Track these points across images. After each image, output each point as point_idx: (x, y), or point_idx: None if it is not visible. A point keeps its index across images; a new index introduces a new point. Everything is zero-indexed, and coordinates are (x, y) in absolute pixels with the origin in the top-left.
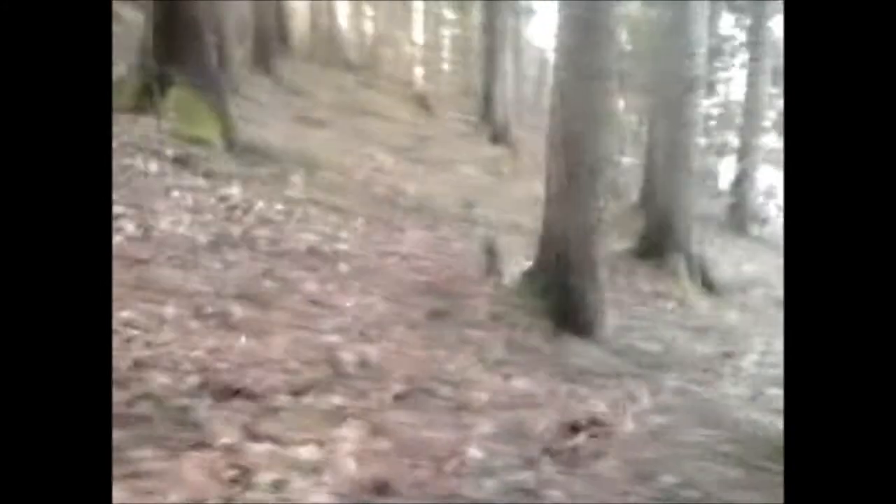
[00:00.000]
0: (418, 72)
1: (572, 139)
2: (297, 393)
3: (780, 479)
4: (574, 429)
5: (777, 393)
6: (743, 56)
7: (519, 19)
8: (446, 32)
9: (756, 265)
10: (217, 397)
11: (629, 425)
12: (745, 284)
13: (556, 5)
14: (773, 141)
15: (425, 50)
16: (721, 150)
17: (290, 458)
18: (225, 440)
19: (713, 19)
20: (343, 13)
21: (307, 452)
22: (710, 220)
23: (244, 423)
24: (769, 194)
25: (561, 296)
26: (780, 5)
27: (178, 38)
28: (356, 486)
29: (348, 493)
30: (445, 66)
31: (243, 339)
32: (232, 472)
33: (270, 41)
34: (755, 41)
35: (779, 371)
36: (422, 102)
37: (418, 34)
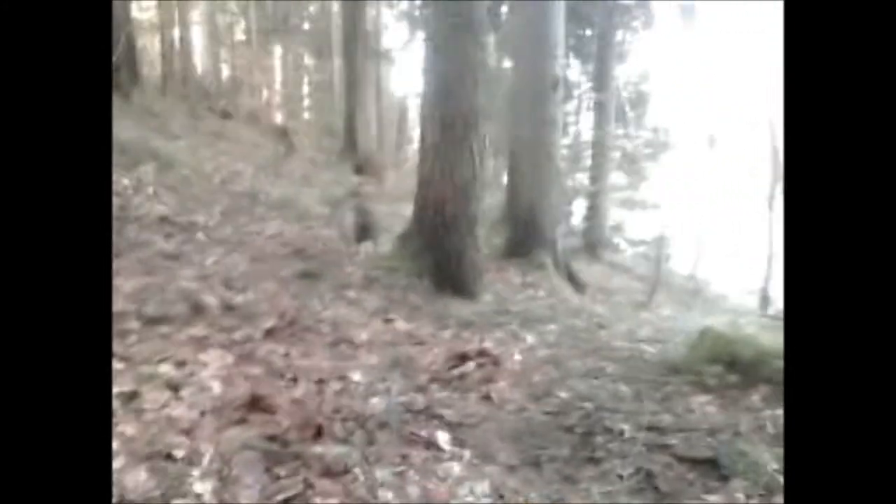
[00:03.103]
0: (279, 111)
1: (445, 92)
2: (150, 322)
3: (667, 389)
4: (462, 359)
5: (650, 349)
6: (589, 99)
7: (379, 66)
8: (306, 77)
9: (612, 282)
10: None
11: (517, 356)
12: (604, 290)
13: (416, 53)
14: (618, 179)
15: (285, 92)
16: (574, 189)
17: (143, 374)
18: None
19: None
20: (197, 55)
21: (162, 370)
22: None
23: None
24: (618, 228)
25: (439, 256)
26: (622, 51)
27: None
28: (222, 402)
29: (213, 408)
30: (306, 108)
31: None
32: None
33: (119, 67)
34: (599, 85)
35: (647, 339)
36: (282, 135)
37: (278, 77)
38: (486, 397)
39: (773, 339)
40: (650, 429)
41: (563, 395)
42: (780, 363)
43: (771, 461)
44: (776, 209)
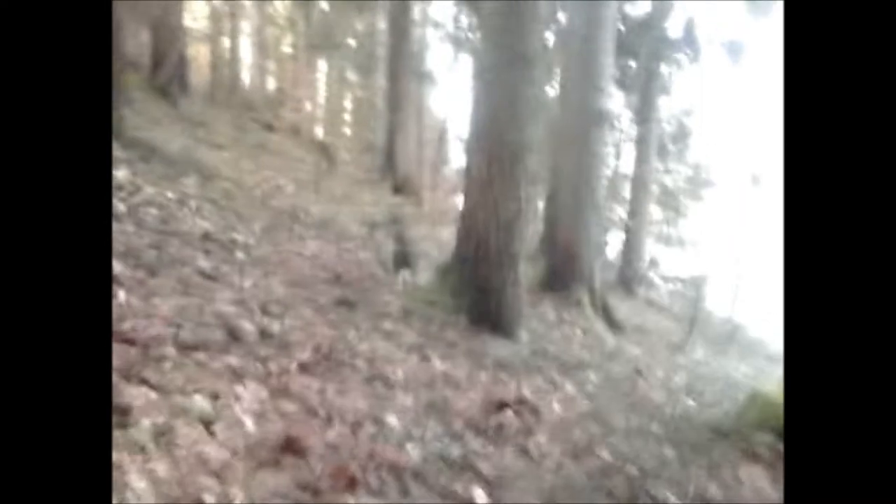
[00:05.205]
0: (320, 126)
1: (495, 125)
2: (186, 348)
3: (714, 455)
4: (500, 407)
5: (690, 403)
6: (630, 132)
7: (421, 85)
8: (349, 93)
9: (647, 320)
10: None
11: (556, 407)
12: (640, 329)
13: (458, 75)
14: (656, 213)
15: (328, 107)
16: (610, 221)
17: (177, 405)
18: None
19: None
20: (245, 67)
21: (196, 403)
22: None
23: (119, 366)
24: (653, 264)
25: (478, 292)
26: (666, 84)
27: None
28: (256, 441)
29: (246, 447)
30: (348, 124)
31: (122, 294)
32: None
33: (170, 77)
34: (641, 118)
35: (685, 389)
36: (323, 151)
37: (322, 93)
38: (524, 451)
39: None
40: (697, 499)
41: (605, 454)
42: None
43: None
44: None
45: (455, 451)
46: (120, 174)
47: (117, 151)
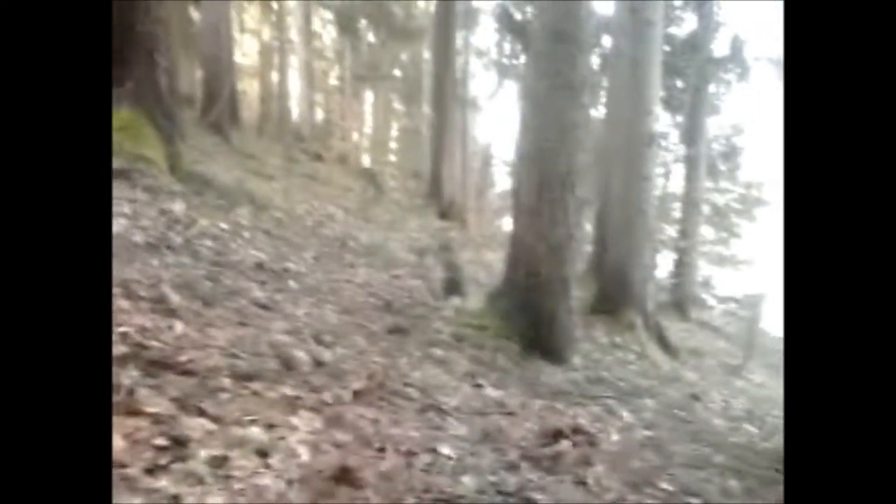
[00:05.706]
0: (368, 155)
1: (544, 150)
2: (241, 378)
3: (782, 487)
4: (556, 436)
5: (752, 430)
6: (679, 151)
7: (465, 112)
8: (395, 122)
9: (702, 342)
10: (145, 369)
11: (614, 436)
12: (695, 352)
13: (502, 100)
14: (708, 233)
15: (375, 136)
16: (661, 242)
17: (234, 436)
18: (153, 409)
19: None
20: (294, 99)
21: (252, 434)
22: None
23: (177, 397)
24: (706, 284)
25: (530, 318)
26: (715, 104)
27: (132, 60)
28: (311, 472)
29: (301, 478)
30: (394, 151)
31: (179, 325)
32: (162, 441)
33: (222, 111)
34: (690, 138)
35: (746, 415)
36: (371, 179)
37: (368, 122)
38: (582, 482)
39: None
40: None
41: (667, 486)
42: None
43: None
44: None
45: (511, 482)
46: (176, 207)
47: (174, 185)
